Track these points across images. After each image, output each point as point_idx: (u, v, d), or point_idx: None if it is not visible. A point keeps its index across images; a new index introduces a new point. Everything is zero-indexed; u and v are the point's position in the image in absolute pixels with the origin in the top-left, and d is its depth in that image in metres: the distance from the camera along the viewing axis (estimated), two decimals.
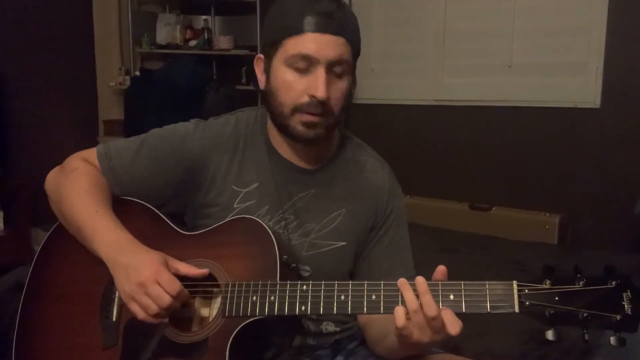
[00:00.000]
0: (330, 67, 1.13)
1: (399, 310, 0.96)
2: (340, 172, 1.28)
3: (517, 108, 3.45)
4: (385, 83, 3.77)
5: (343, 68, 1.15)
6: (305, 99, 1.13)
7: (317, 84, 1.11)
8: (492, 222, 3.31)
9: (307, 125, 1.15)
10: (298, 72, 1.13)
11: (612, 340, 0.90)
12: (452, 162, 3.72)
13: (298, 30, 1.11)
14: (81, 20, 4.19)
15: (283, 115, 1.16)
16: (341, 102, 1.17)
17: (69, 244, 1.22)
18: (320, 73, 1.12)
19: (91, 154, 1.27)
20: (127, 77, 4.23)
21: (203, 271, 1.10)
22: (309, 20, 1.11)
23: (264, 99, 1.21)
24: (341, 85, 1.16)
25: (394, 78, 3.83)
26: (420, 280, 0.97)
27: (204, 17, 4.62)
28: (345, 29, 1.13)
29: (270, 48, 1.16)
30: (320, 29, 1.11)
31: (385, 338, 1.13)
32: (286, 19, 1.13)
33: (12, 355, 1.23)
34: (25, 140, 3.92)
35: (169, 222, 1.23)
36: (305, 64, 1.12)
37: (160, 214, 1.24)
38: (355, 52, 1.18)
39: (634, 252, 2.74)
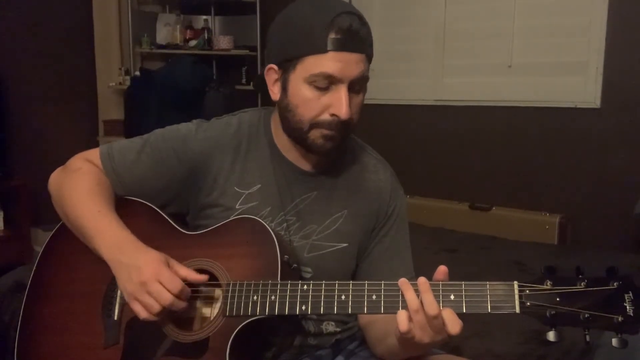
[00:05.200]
0: (351, 85, 1.12)
1: (402, 315, 0.96)
2: (343, 173, 1.28)
3: (517, 108, 3.45)
4: (385, 83, 3.76)
5: (362, 84, 1.14)
6: (325, 116, 1.13)
7: (340, 105, 1.11)
8: (492, 222, 3.31)
9: (325, 137, 1.15)
10: (318, 90, 1.12)
11: (614, 341, 0.89)
12: (452, 162, 3.72)
13: (321, 49, 1.08)
14: (81, 20, 4.19)
15: (302, 130, 1.15)
16: (358, 115, 1.17)
17: (71, 244, 1.23)
18: (343, 93, 1.11)
19: (94, 154, 1.27)
20: (127, 77, 4.23)
21: (202, 277, 1.10)
22: (332, 39, 1.08)
23: (278, 109, 1.20)
24: (359, 99, 1.16)
25: (394, 78, 3.82)
26: (422, 280, 0.97)
27: (204, 17, 4.62)
28: (365, 43, 1.12)
29: (288, 62, 1.14)
30: (344, 47, 1.08)
31: (386, 339, 1.13)
32: (307, 35, 1.10)
33: (12, 354, 1.23)
34: (25, 140, 3.92)
35: (171, 221, 1.23)
36: (326, 83, 1.11)
37: (163, 214, 1.24)
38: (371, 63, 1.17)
39: (634, 252, 2.74)
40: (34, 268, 1.28)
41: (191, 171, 1.24)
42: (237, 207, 1.22)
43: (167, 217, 1.24)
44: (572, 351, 1.70)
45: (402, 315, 0.96)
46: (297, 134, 1.17)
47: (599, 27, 3.13)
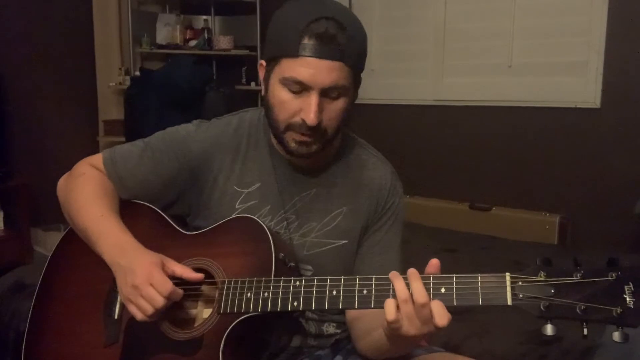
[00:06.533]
0: (324, 92, 1.10)
1: (390, 303, 0.94)
2: (342, 171, 1.27)
3: (517, 108, 3.45)
4: (385, 83, 3.76)
5: (339, 92, 1.12)
6: (297, 119, 1.12)
7: (308, 111, 1.09)
8: (492, 222, 3.31)
9: (299, 143, 1.14)
10: (292, 93, 1.11)
11: (616, 335, 0.85)
12: (452, 162, 3.72)
13: (293, 53, 1.07)
14: (81, 20, 4.20)
15: (278, 129, 1.16)
16: (336, 121, 1.15)
17: (79, 247, 1.25)
18: (312, 99, 1.09)
19: (97, 159, 1.30)
20: (127, 77, 4.23)
21: (198, 275, 1.11)
22: (305, 44, 1.06)
23: (264, 105, 1.21)
24: (337, 105, 1.13)
25: (394, 78, 3.82)
26: (411, 270, 0.96)
27: (204, 17, 4.63)
28: (345, 52, 1.08)
29: (270, 61, 1.14)
30: (317, 54, 1.06)
31: (371, 332, 1.12)
32: (284, 37, 1.09)
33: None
34: (25, 140, 3.93)
35: (172, 222, 1.25)
36: (298, 87, 1.10)
37: (164, 215, 1.26)
38: (358, 71, 1.15)
39: (634, 252, 2.74)
40: (44, 270, 1.31)
41: (192, 172, 1.25)
42: (237, 206, 1.23)
43: (168, 219, 1.25)
44: (572, 351, 1.69)
45: (390, 303, 0.94)
46: (275, 132, 1.18)
47: (599, 27, 3.13)
